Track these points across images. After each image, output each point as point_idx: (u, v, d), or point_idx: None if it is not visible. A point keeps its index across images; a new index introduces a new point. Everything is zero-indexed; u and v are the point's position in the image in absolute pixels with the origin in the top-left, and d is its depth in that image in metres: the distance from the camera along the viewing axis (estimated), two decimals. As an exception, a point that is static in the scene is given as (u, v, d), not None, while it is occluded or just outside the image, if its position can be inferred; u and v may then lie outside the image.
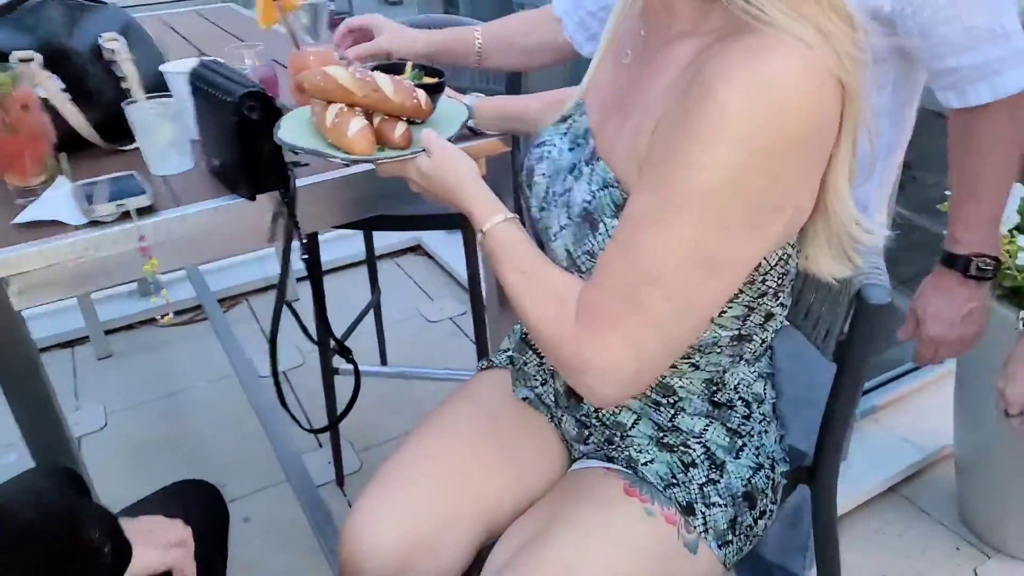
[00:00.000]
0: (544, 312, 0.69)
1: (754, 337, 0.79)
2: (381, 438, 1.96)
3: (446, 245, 2.74)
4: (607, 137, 0.76)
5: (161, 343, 2.39)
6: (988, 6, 0.86)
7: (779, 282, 0.75)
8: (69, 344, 2.40)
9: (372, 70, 0.86)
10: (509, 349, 1.02)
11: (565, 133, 0.84)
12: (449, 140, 0.81)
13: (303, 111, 0.89)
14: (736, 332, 0.77)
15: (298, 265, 0.97)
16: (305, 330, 1.04)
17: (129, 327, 2.46)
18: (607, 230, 0.71)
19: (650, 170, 0.64)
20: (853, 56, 0.61)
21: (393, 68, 0.95)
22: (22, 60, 1.02)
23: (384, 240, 2.69)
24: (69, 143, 1.08)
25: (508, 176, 1.19)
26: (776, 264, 0.72)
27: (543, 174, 0.83)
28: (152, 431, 2.02)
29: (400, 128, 0.81)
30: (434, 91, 0.89)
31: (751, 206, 0.60)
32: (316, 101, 0.83)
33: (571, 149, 0.81)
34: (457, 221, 1.84)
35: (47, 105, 1.03)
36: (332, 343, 1.10)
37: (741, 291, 0.72)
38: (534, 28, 1.28)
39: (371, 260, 2.06)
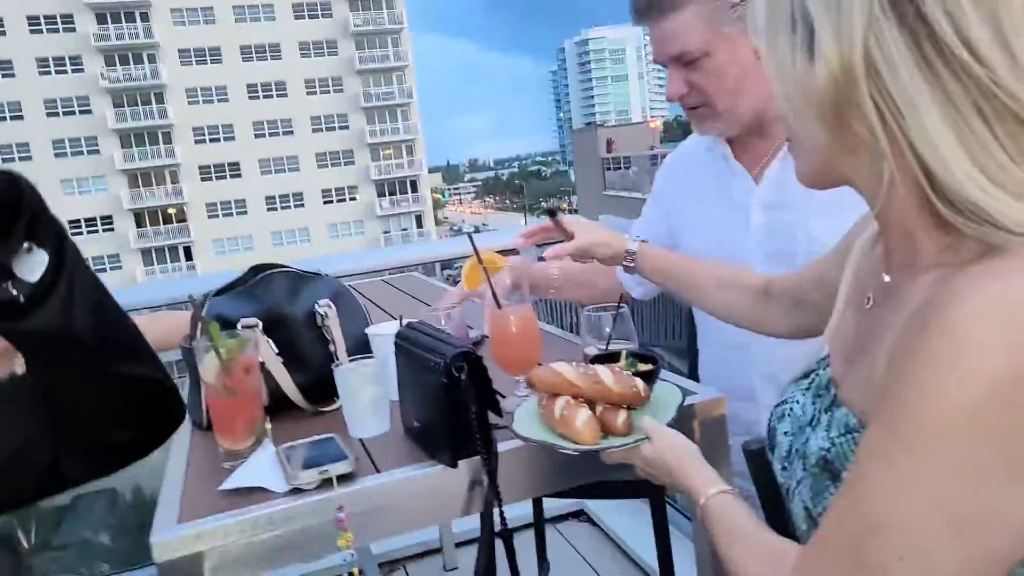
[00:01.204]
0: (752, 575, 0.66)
1: None
2: None
3: (614, 512, 2.50)
4: (849, 384, 0.70)
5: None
6: None
7: None
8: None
9: (591, 362, 0.97)
10: None
11: (808, 388, 0.78)
12: (668, 423, 0.86)
13: (531, 403, 0.94)
14: None
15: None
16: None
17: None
18: None
19: (881, 401, 0.56)
20: None
21: (609, 357, 1.02)
22: (246, 327, 1.09)
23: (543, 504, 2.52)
24: (274, 405, 1.09)
25: (724, 438, 1.06)
26: None
27: (785, 432, 0.78)
28: None
29: (622, 416, 0.86)
30: (648, 377, 0.95)
31: (1006, 451, 0.50)
32: (542, 393, 0.90)
33: (813, 403, 0.76)
34: (635, 491, 1.70)
35: (262, 368, 1.07)
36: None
37: None
38: (606, 270, 1.38)
39: (539, 528, 1.89)
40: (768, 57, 0.65)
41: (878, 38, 0.56)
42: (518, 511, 2.44)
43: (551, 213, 1.23)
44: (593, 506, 2.58)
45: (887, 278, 0.70)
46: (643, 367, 0.97)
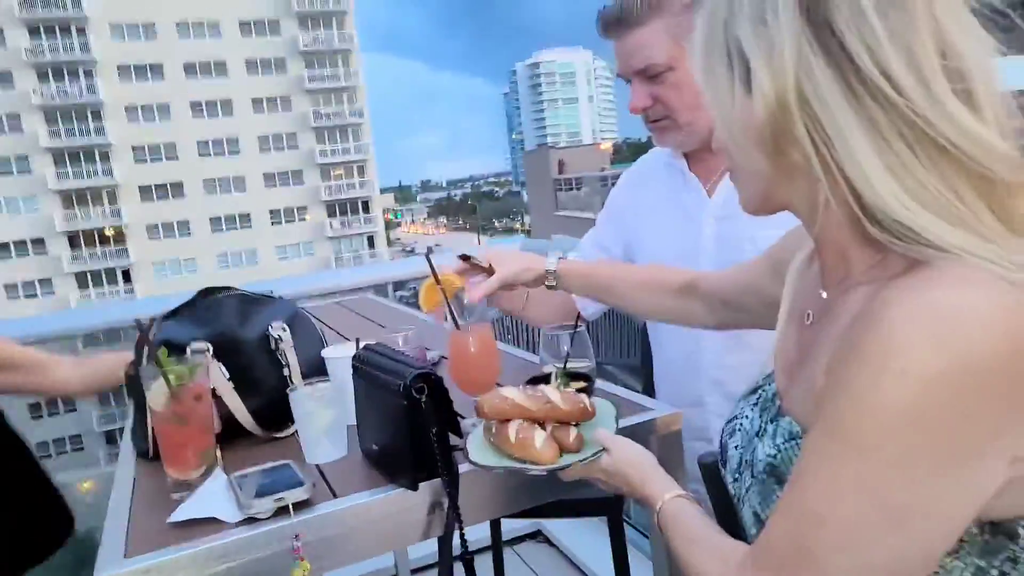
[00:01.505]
0: (705, 573, 0.68)
1: None
2: None
3: (572, 532, 2.50)
4: (792, 396, 0.74)
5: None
6: None
7: None
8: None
9: (527, 383, 0.98)
10: None
11: (755, 403, 0.81)
12: (616, 433, 0.88)
13: (478, 432, 0.94)
14: None
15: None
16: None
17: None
18: None
19: (821, 404, 0.59)
20: None
21: (542, 379, 1.03)
22: (197, 351, 1.05)
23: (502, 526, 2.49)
24: (225, 431, 1.06)
25: (680, 451, 1.07)
26: None
27: (736, 446, 0.81)
28: None
29: (572, 433, 0.88)
30: (584, 393, 0.96)
31: (938, 447, 0.53)
32: (492, 420, 0.90)
33: (760, 416, 0.79)
34: (592, 508, 1.70)
35: (213, 394, 1.03)
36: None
37: (1007, 574, 0.57)
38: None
39: (497, 550, 1.87)
40: (707, 90, 0.67)
41: (808, 72, 0.59)
42: (475, 534, 2.42)
43: (464, 257, 1.26)
44: (550, 526, 2.57)
45: (824, 295, 0.73)
46: (576, 384, 0.99)
